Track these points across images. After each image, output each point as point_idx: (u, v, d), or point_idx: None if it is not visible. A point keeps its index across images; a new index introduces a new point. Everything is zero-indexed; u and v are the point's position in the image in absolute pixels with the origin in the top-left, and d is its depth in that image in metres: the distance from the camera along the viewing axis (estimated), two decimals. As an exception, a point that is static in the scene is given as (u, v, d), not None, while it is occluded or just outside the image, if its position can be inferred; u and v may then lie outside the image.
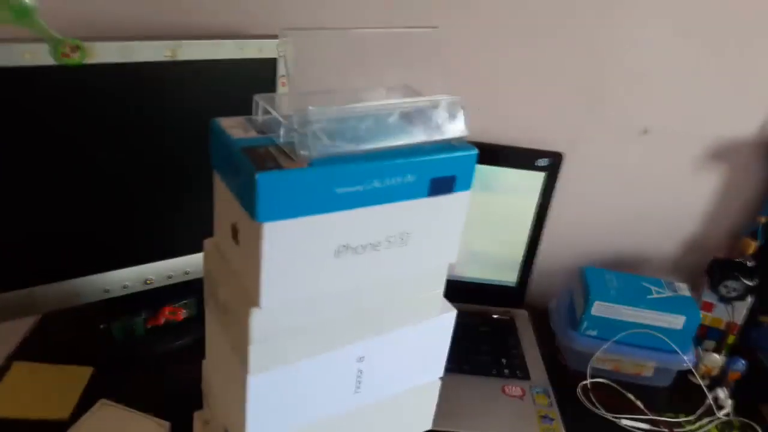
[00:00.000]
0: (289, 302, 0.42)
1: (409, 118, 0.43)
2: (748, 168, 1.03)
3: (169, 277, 0.85)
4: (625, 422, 0.84)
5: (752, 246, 0.97)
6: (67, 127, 0.70)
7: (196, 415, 0.58)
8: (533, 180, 0.98)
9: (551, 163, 0.97)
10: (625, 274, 0.96)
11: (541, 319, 1.03)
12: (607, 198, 1.06)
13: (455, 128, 0.43)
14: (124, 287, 0.82)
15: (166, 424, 0.66)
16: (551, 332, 0.99)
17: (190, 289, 0.90)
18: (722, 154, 1.02)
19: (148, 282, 0.83)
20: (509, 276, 1.04)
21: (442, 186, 0.44)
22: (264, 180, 0.36)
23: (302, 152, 0.37)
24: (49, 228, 0.74)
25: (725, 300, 0.94)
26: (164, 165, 0.78)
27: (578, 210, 1.07)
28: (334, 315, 0.46)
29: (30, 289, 0.74)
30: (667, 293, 0.92)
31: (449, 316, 0.53)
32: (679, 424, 0.86)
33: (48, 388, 0.75)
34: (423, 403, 0.58)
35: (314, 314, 0.45)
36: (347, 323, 0.47)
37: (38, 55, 0.64)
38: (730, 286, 0.93)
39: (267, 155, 0.38)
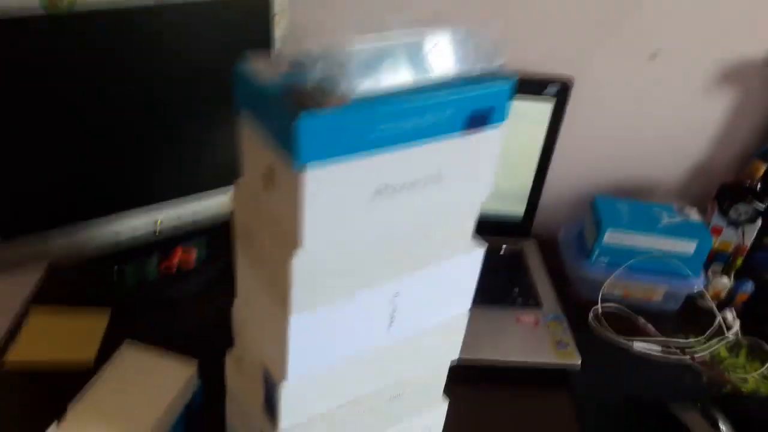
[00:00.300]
0: (328, 245, 0.42)
1: (445, 48, 0.41)
2: (759, 90, 1.01)
3: (179, 219, 0.84)
4: (637, 345, 0.87)
5: (761, 168, 0.97)
6: (67, 71, 0.68)
7: (229, 352, 0.59)
8: (542, 108, 0.96)
9: (560, 90, 0.95)
10: (636, 201, 0.96)
11: (548, 248, 1.04)
12: (615, 124, 1.05)
13: (491, 58, 0.42)
14: (135, 232, 0.81)
15: (194, 361, 0.67)
16: (560, 261, 1.00)
17: (201, 231, 0.90)
18: (732, 75, 1.00)
19: (158, 226, 0.83)
20: (517, 207, 1.05)
21: (478, 119, 0.43)
22: (306, 122, 0.35)
23: (342, 90, 0.36)
24: (56, 174, 0.72)
25: (735, 224, 0.95)
26: (167, 106, 0.76)
27: (585, 138, 1.06)
28: (371, 254, 0.46)
29: (41, 234, 0.74)
30: (679, 219, 0.92)
31: (479, 251, 0.54)
32: (690, 346, 0.88)
33: (69, 330, 0.76)
34: (451, 335, 0.59)
35: (352, 254, 0.45)
36: (383, 262, 0.47)
37: (27, 2, 0.62)
38: (741, 210, 0.93)
39: (304, 95, 0.37)
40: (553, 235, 1.07)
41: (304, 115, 0.35)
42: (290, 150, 0.37)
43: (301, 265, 0.42)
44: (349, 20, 0.87)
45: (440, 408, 0.64)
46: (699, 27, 0.96)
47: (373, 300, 0.49)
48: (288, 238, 0.42)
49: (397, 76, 0.39)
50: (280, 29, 0.78)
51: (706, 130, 1.06)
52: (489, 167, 0.47)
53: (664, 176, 1.11)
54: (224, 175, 0.85)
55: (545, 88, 0.94)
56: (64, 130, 0.70)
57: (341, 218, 0.41)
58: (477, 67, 0.42)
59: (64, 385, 0.70)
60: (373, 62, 0.39)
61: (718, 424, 0.71)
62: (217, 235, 0.94)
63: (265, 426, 0.52)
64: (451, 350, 0.60)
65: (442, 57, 0.42)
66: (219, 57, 0.76)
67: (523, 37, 0.95)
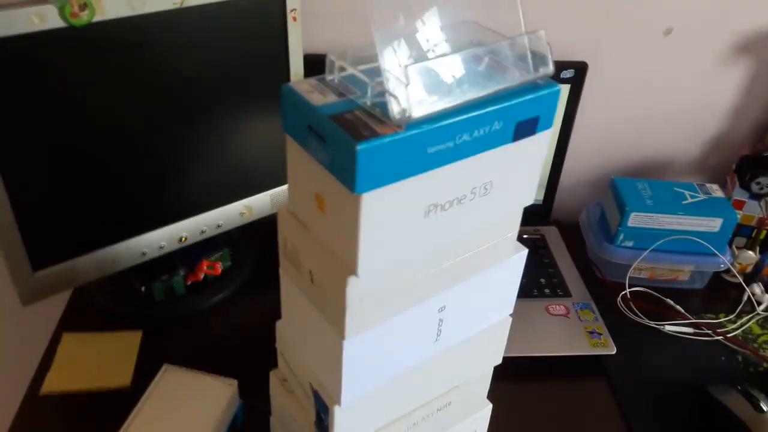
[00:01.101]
0: (383, 267, 0.41)
1: (494, 62, 0.40)
2: (773, 60, 1.00)
3: (203, 232, 0.83)
4: (668, 328, 0.86)
5: (780, 140, 0.97)
6: (84, 89, 0.66)
7: (273, 372, 0.58)
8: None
9: (576, 74, 0.94)
10: (656, 181, 0.95)
11: (566, 232, 1.03)
12: (630, 104, 1.04)
13: (541, 66, 0.41)
14: (161, 248, 0.80)
15: (234, 381, 0.66)
16: (582, 246, 1.00)
17: (223, 242, 0.89)
18: (746, 47, 0.99)
19: (182, 239, 0.82)
20: (536, 193, 1.03)
21: (525, 129, 0.42)
22: (365, 151, 0.34)
23: (398, 115, 0.35)
24: (81, 198, 0.71)
25: (757, 197, 0.94)
26: (184, 118, 0.75)
27: (600, 120, 1.05)
28: (421, 271, 0.45)
29: (70, 262, 0.73)
30: (701, 196, 0.91)
31: (521, 255, 0.53)
32: (721, 325, 0.88)
33: (103, 356, 0.74)
34: (495, 340, 0.58)
35: (403, 274, 0.44)
36: (432, 276, 0.46)
37: (47, 18, 0.60)
38: (763, 182, 0.93)
39: (358, 122, 0.35)
40: (570, 219, 1.07)
41: (362, 145, 0.34)
42: (347, 179, 0.36)
43: (355, 289, 0.41)
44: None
45: (484, 411, 0.63)
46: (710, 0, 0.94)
47: (421, 315, 0.48)
48: (341, 263, 0.41)
49: (448, 94, 0.37)
50: (295, 29, 0.77)
51: (721, 104, 1.05)
52: (535, 171, 0.46)
53: (680, 152, 1.10)
54: (248, 183, 0.84)
55: (561, 72, 0.93)
56: (87, 153, 0.69)
57: (395, 239, 0.40)
58: (525, 76, 0.41)
59: (103, 411, 0.69)
60: (431, 82, 0.37)
61: (760, 405, 0.71)
62: (240, 244, 0.93)
63: (320, 447, 0.52)
64: (495, 355, 0.60)
65: (495, 69, 0.41)
66: (237, 63, 0.75)
67: (535, 22, 0.93)
